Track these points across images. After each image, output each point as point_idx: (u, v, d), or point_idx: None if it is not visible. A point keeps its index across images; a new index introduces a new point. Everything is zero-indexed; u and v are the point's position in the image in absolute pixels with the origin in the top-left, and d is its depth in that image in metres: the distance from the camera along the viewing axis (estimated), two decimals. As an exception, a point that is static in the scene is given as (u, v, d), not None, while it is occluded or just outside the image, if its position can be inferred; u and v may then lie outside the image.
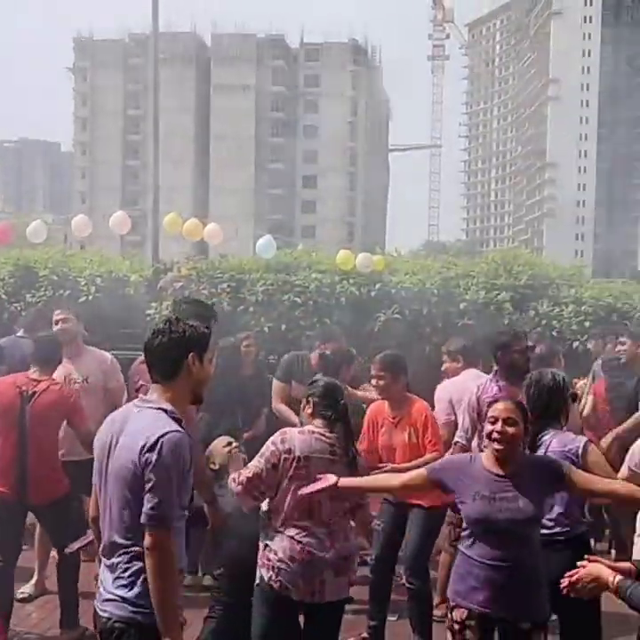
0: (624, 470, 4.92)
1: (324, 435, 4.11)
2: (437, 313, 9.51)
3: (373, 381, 5.58)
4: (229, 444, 5.04)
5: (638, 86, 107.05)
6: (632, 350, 7.51)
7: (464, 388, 6.05)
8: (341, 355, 6.74)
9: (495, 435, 3.86)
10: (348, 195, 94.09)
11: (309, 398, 4.27)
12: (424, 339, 9.16)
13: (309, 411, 4.25)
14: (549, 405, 4.32)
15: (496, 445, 3.86)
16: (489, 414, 3.96)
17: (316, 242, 64.43)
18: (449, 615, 3.99)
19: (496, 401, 4.07)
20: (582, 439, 4.39)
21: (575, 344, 9.13)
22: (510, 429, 3.84)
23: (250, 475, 4.06)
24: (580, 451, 4.25)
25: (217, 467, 4.84)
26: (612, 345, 7.97)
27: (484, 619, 3.84)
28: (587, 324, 9.34)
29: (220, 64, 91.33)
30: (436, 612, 5.55)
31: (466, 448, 5.49)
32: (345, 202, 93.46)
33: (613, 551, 7.54)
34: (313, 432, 4.13)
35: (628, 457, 4.93)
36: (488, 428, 3.92)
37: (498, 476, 3.85)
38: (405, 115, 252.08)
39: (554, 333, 9.30)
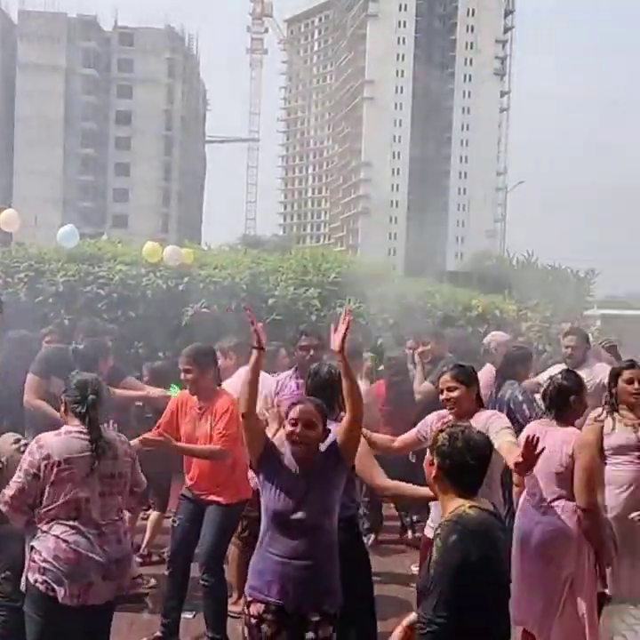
0: (412, 433, 5.09)
1: (81, 432, 4.02)
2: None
3: (182, 375, 5.47)
4: (17, 440, 4.84)
5: (450, 92, 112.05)
6: (436, 348, 7.80)
7: None
8: (95, 348, 6.49)
9: (295, 437, 3.90)
10: (163, 185, 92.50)
11: (62, 396, 4.19)
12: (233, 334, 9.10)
13: (63, 409, 4.18)
14: (324, 397, 4.35)
15: (295, 447, 3.92)
16: (290, 416, 3.98)
17: (128, 232, 62.90)
18: (246, 611, 3.99)
19: (298, 402, 4.07)
20: None
21: (380, 341, 9.37)
22: (310, 433, 3.90)
23: (13, 492, 3.93)
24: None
25: (2, 465, 4.60)
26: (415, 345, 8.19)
27: (280, 612, 3.89)
28: (391, 321, 9.62)
29: (28, 42, 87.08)
30: (234, 608, 5.50)
31: None
32: (159, 192, 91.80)
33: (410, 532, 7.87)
34: (69, 432, 4.03)
35: (420, 423, 5.10)
36: (288, 428, 3.95)
37: (297, 472, 3.92)
38: (223, 106, 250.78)
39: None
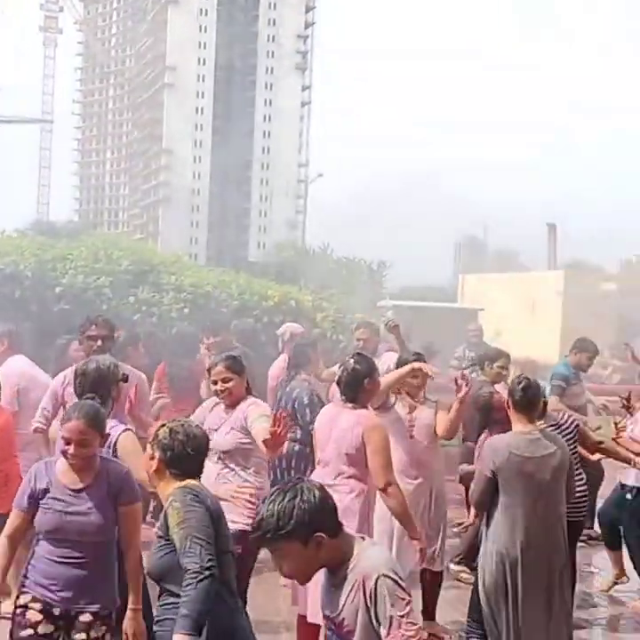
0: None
1: None
2: (32, 296, 9.05)
3: None
4: None
5: (252, 83, 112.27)
6: (226, 339, 7.85)
7: (28, 374, 5.94)
8: None
9: (69, 457, 3.76)
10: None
11: None
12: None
13: None
14: (98, 395, 4.18)
15: (71, 460, 3.78)
16: (62, 433, 3.81)
17: None
18: (15, 601, 3.87)
19: (70, 418, 3.81)
20: (120, 428, 4.42)
21: (174, 330, 9.21)
22: (84, 451, 3.75)
23: None
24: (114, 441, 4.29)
25: None
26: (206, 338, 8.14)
27: (49, 605, 3.78)
28: (186, 310, 9.50)
29: None
30: (7, 609, 5.17)
31: (44, 431, 5.45)
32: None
33: None
34: None
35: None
36: (62, 445, 3.80)
37: (73, 490, 3.77)
38: (14, 85, 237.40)
39: (154, 319, 9.32)
